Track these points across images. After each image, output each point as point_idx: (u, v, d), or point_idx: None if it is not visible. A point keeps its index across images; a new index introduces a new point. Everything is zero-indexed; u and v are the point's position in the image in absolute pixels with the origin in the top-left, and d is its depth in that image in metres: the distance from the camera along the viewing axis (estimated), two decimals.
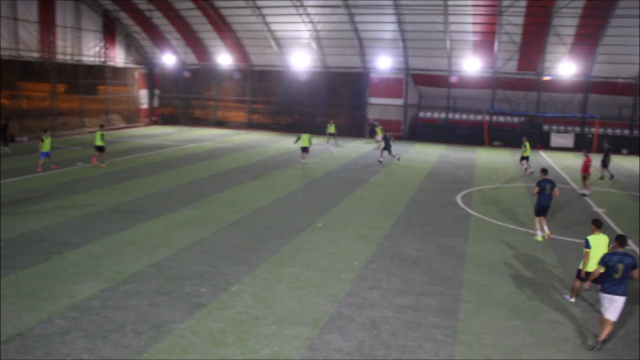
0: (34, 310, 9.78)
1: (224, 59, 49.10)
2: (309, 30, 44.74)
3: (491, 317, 10.33)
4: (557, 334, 9.77)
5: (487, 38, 42.78)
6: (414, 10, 40.84)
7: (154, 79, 52.65)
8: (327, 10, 42.58)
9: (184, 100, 52.72)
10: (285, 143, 39.64)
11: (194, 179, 23.45)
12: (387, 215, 18.19)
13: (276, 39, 46.88)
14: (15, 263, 12.18)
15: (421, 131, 47.50)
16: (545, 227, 16.34)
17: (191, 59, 51.10)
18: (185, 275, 11.76)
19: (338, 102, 48.94)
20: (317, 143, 37.85)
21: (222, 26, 46.05)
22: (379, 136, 39.49)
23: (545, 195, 16.01)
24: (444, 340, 9.27)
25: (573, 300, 11.30)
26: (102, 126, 29.07)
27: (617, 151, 43.99)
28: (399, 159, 31.86)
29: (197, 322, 9.51)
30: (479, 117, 47.02)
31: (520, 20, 40.43)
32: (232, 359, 8.37)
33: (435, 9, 40.20)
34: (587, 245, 10.84)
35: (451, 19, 40.91)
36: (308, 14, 43.18)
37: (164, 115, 53.09)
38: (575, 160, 36.11)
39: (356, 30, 44.07)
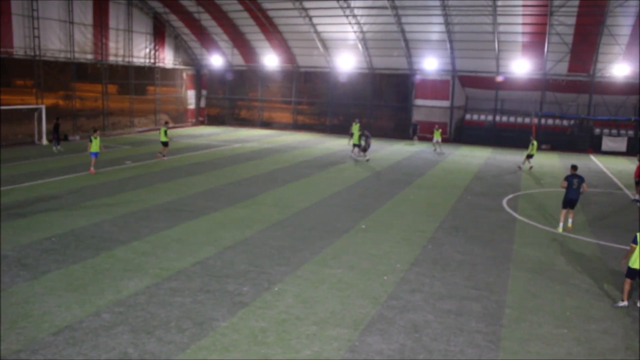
0: (83, 304, 10.10)
1: (271, 59, 49.57)
2: (355, 32, 44.73)
3: (536, 324, 10.12)
4: (606, 344, 9.49)
5: (537, 39, 41.88)
6: (462, 11, 40.35)
7: (201, 79, 53.59)
8: (374, 12, 42.48)
9: (230, 100, 53.47)
10: (331, 144, 39.74)
11: (239, 179, 23.75)
12: (432, 218, 18.03)
13: (322, 40, 47.04)
14: (66, 258, 12.60)
15: (467, 133, 46.90)
16: (570, 221, 17.31)
17: (238, 60, 51.76)
18: (229, 273, 11.92)
19: (383, 103, 48.80)
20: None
21: (269, 27, 46.50)
22: (436, 138, 39.27)
23: (572, 190, 17.04)
24: (486, 347, 9.13)
25: (625, 303, 11.00)
26: (166, 123, 32.08)
27: None
28: (367, 160, 31.16)
29: (239, 321, 9.63)
30: (528, 120, 46.09)
31: (572, 20, 39.43)
32: (273, 358, 8.45)
33: (483, 10, 39.61)
34: (635, 241, 10.87)
35: (500, 19, 40.24)
36: (354, 15, 43.17)
37: (210, 116, 53.98)
38: (628, 165, 34.97)
39: (402, 32, 43.81)
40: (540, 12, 39.24)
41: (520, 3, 38.92)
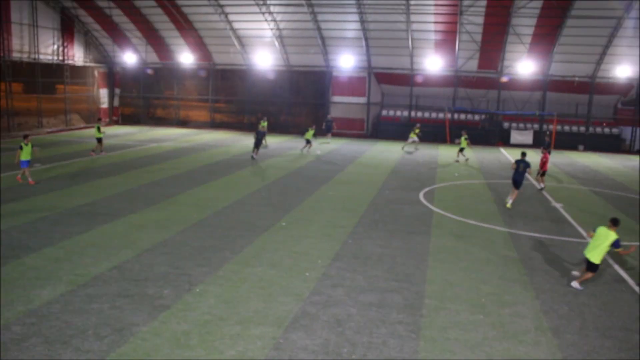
0: None
1: (186, 57, 48.66)
2: (271, 29, 44.65)
3: (454, 312, 10.50)
4: (518, 326, 9.99)
5: (449, 37, 43.36)
6: (377, 9, 41.15)
7: (114, 77, 51.76)
8: (290, 9, 42.57)
9: (145, 99, 52.01)
10: (249, 142, 39.44)
11: (157, 179, 23.18)
12: (351, 213, 18.31)
13: (239, 38, 46.66)
14: None
15: (384, 129, 47.92)
16: (510, 201, 20.34)
17: (152, 57, 50.44)
18: (148, 277, 11.63)
19: (301, 100, 48.99)
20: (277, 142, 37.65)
21: (184, 24, 45.58)
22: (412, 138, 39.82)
23: (518, 173, 20.36)
24: (408, 336, 9.39)
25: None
26: (99, 119, 32.55)
27: (574, 147, 45.19)
28: (253, 158, 30.58)
29: (160, 324, 9.42)
30: (441, 115, 47.66)
31: (480, 19, 41.11)
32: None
33: (397, 8, 40.56)
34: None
35: (413, 18, 41.33)
36: (271, 12, 43.09)
37: (124, 115, 52.26)
38: (535, 157, 36.92)
39: (319, 29, 44.16)
40: (451, 11, 40.64)
41: (432, 2, 40.14)
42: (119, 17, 45.87)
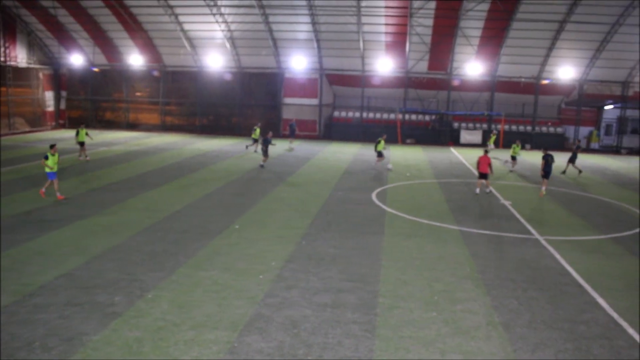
0: None
1: (135, 59, 47.81)
2: (222, 31, 44.34)
3: (408, 310, 10.64)
4: (470, 322, 10.20)
5: (399, 39, 43.93)
6: (328, 10, 41.35)
7: (60, 80, 50.39)
8: (241, 11, 42.36)
9: (93, 102, 50.82)
10: (201, 145, 39.10)
11: (106, 184, 22.69)
12: (305, 214, 18.34)
13: (189, 39, 46.15)
14: None
15: (336, 130, 48.18)
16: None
17: (100, 59, 49.37)
18: (99, 284, 11.37)
19: (253, 102, 48.79)
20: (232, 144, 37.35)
21: (133, 25, 44.79)
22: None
23: (548, 164, 24.15)
24: (363, 336, 9.46)
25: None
26: (81, 124, 31.80)
27: (522, 146, 46.36)
28: (261, 166, 28.90)
29: (112, 332, 9.23)
30: (392, 116, 48.23)
31: (430, 21, 41.82)
32: None
33: (348, 10, 40.86)
34: None
35: (364, 19, 41.72)
36: (222, 14, 42.79)
37: (72, 118, 50.88)
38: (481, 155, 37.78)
39: (270, 31, 44.08)
40: (401, 13, 41.20)
41: (383, 4, 40.61)
42: (64, 17, 44.71)
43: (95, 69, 49.16)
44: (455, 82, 46.70)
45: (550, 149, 45.04)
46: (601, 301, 11.43)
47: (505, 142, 45.73)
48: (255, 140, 36.07)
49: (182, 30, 44.93)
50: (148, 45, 47.13)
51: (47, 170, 19.47)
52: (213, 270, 12.43)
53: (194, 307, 10.36)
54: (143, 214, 17.57)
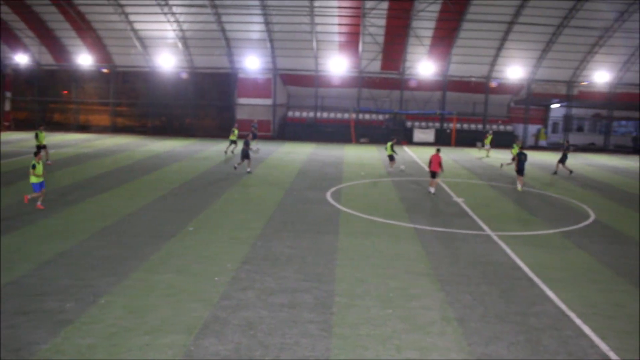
0: None
1: (84, 59, 46.72)
2: (174, 30, 43.80)
3: (364, 308, 10.71)
4: (425, 317, 10.34)
5: (352, 39, 44.24)
6: (281, 10, 41.33)
7: (4, 80, 48.76)
8: (193, 10, 41.95)
9: (41, 103, 49.43)
10: (153, 146, 38.47)
11: (56, 187, 22.07)
12: (259, 215, 18.26)
13: (140, 39, 45.40)
14: None
15: (290, 130, 48.20)
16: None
17: (47, 58, 48.08)
18: (48, 291, 11.05)
19: (206, 103, 48.36)
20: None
21: (81, 24, 43.78)
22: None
23: (521, 162, 24.98)
24: (320, 335, 9.48)
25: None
26: (41, 126, 30.29)
27: (473, 144, 47.39)
28: (236, 168, 28.13)
29: (63, 340, 8.98)
30: (346, 116, 48.51)
31: (382, 22, 42.27)
32: None
33: (302, 10, 40.92)
34: None
35: (317, 19, 41.86)
36: (173, 13, 42.25)
37: (17, 120, 49.38)
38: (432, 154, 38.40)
39: (223, 30, 43.77)
40: (354, 13, 41.50)
41: (336, 4, 40.82)
42: (7, 14, 43.32)
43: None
44: (410, 83, 47.35)
45: (500, 147, 46.49)
46: (550, 293, 11.77)
47: (458, 141, 46.63)
48: (234, 142, 35.38)
49: (133, 29, 44.17)
50: (97, 44, 46.15)
51: (36, 180, 17.99)
52: (167, 274, 12.24)
53: (148, 312, 10.18)
54: (95, 218, 17.18)
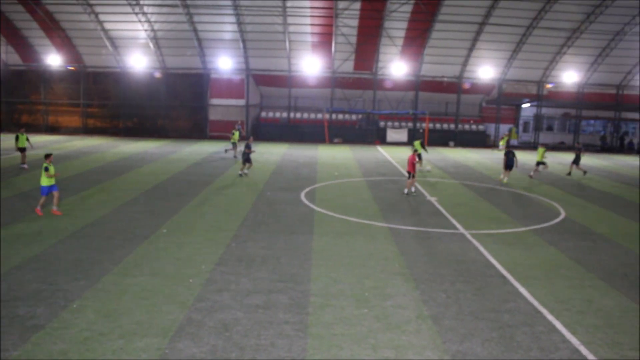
0: None
1: (53, 59, 45.95)
2: (145, 30, 43.37)
3: (339, 308, 10.73)
4: (401, 317, 10.40)
5: (325, 39, 44.31)
6: (253, 11, 41.20)
7: None
8: (165, 10, 41.60)
9: (8, 104, 48.43)
10: (125, 148, 38.01)
11: (25, 190, 21.67)
12: (234, 216, 18.18)
13: (111, 39, 44.84)
14: None
15: (264, 131, 48.09)
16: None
17: (14, 58, 47.17)
18: (18, 296, 10.83)
19: (179, 104, 47.96)
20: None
21: (50, 24, 43.07)
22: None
23: (509, 159, 27.18)
24: (295, 335, 9.47)
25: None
26: (22, 128, 29.85)
27: (445, 144, 47.81)
28: (241, 174, 27.02)
29: (34, 347, 8.81)
30: (320, 116, 48.57)
31: (355, 22, 42.42)
32: None
33: (274, 10, 40.85)
34: None
35: (290, 20, 41.83)
36: (144, 13, 41.83)
37: None
38: (409, 154, 38.62)
39: (195, 31, 43.48)
40: (327, 14, 41.56)
41: (308, 5, 40.83)
42: None
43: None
44: (383, 83, 47.60)
45: (472, 146, 47.09)
46: (523, 290, 11.94)
47: (430, 140, 46.98)
48: (235, 144, 34.86)
49: (103, 29, 43.61)
50: (67, 44, 45.46)
51: (48, 183, 17.62)
52: (141, 276, 12.11)
53: (122, 315, 10.06)
54: (65, 221, 16.90)
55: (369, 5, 40.86)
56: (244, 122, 47.93)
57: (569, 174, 31.99)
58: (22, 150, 27.77)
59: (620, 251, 15.60)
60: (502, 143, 42.80)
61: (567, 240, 16.57)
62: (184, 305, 10.57)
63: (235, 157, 34.13)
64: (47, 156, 18.14)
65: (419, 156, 29.24)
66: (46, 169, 17.61)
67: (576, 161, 31.76)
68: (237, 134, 34.97)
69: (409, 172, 23.25)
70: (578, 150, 32.37)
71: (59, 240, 14.73)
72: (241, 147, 28.70)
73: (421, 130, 48.14)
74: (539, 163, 30.08)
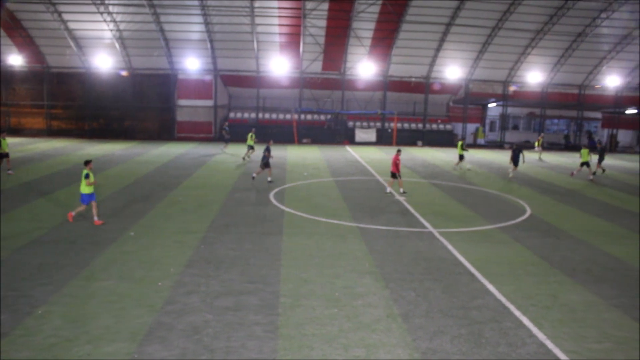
0: None
1: (14, 59, 44.93)
2: (111, 30, 42.74)
3: (310, 308, 10.74)
4: (371, 315, 10.46)
5: (293, 40, 44.28)
6: (221, 11, 40.96)
7: None
8: (130, 9, 41.05)
9: None
10: (91, 150, 37.41)
11: None
12: (203, 217, 18.04)
13: (75, 39, 44.07)
14: None
15: (233, 132, 47.74)
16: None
17: None
18: None
19: (146, 105, 47.37)
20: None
21: (11, 23, 42.09)
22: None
23: (515, 154, 29.65)
24: (266, 337, 9.45)
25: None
26: (3, 132, 28.25)
27: (414, 143, 48.21)
28: (270, 181, 25.77)
29: None
30: (288, 116, 48.51)
31: (323, 23, 42.49)
32: None
33: (242, 10, 40.68)
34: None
35: (258, 20, 41.70)
36: (110, 13, 41.21)
37: None
38: (378, 153, 38.88)
39: (162, 31, 43.02)
40: (295, 14, 41.55)
41: (276, 5, 40.75)
42: None
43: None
44: (352, 83, 47.79)
45: (440, 146, 47.59)
46: (490, 287, 12.12)
47: (399, 140, 47.33)
48: (251, 147, 34.15)
49: (67, 29, 42.83)
50: (29, 44, 44.52)
51: (89, 191, 16.91)
52: (108, 280, 11.93)
53: (89, 320, 9.89)
54: (30, 225, 16.55)
55: (336, 6, 40.98)
56: (212, 122, 47.56)
57: (604, 171, 33.12)
58: (6, 155, 26.40)
59: (584, 247, 15.96)
60: (538, 144, 42.04)
61: (533, 237, 16.87)
62: (153, 309, 10.45)
63: (244, 159, 33.86)
64: (87, 163, 17.17)
65: (461, 156, 32.23)
66: (87, 176, 16.75)
67: (600, 160, 32.59)
68: (253, 136, 34.33)
69: (392, 173, 23.32)
70: (602, 149, 33.03)
71: (23, 245, 14.42)
72: (258, 151, 27.46)
73: (389, 130, 48.48)
74: (582, 164, 30.87)
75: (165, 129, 47.46)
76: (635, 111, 53.20)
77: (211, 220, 17.79)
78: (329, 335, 9.57)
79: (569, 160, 41.57)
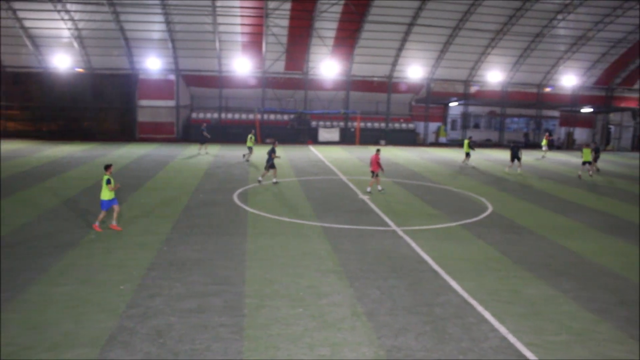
0: None
1: None
2: (69, 29, 41.88)
3: (275, 308, 10.71)
4: (336, 314, 10.49)
5: (255, 39, 44.12)
6: (182, 10, 40.57)
7: None
8: (89, 8, 40.31)
9: None
10: (50, 152, 36.55)
11: None
12: (165, 219, 17.82)
13: (31, 38, 43.02)
14: None
15: (195, 132, 47.29)
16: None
17: None
18: None
19: (106, 105, 46.53)
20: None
21: None
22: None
23: (513, 151, 31.58)
24: (231, 338, 9.39)
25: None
26: None
27: (377, 142, 48.55)
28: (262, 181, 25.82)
29: None
30: (251, 116, 48.33)
31: (285, 22, 42.46)
32: None
33: (203, 10, 40.36)
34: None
35: (219, 19, 41.43)
36: (67, 11, 40.36)
37: None
38: (341, 153, 39.01)
39: (122, 30, 42.36)
40: (257, 14, 41.40)
41: (238, 4, 40.55)
42: None
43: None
44: (315, 82, 47.85)
45: (403, 144, 48.04)
46: (453, 283, 12.29)
47: (362, 139, 47.58)
48: (251, 149, 33.74)
49: (22, 27, 41.78)
50: None
51: (109, 197, 16.25)
52: (69, 285, 11.68)
53: (48, 326, 9.67)
54: None
55: (299, 6, 40.98)
56: (174, 122, 47.02)
57: (598, 170, 34.09)
58: None
59: (544, 243, 16.31)
60: (544, 143, 43.71)
61: (495, 233, 17.17)
62: (115, 313, 10.27)
63: (247, 160, 33.56)
64: (107, 167, 16.44)
65: (467, 154, 33.64)
66: (108, 182, 16.08)
67: (596, 159, 33.44)
68: (253, 138, 33.94)
69: (372, 172, 23.43)
70: (596, 149, 33.79)
71: None
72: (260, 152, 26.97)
73: (352, 130, 48.70)
74: (584, 163, 31.43)
75: (126, 129, 46.71)
76: (590, 110, 54.63)
77: (174, 221, 17.59)
78: (294, 335, 9.57)
79: (529, 157, 42.37)
